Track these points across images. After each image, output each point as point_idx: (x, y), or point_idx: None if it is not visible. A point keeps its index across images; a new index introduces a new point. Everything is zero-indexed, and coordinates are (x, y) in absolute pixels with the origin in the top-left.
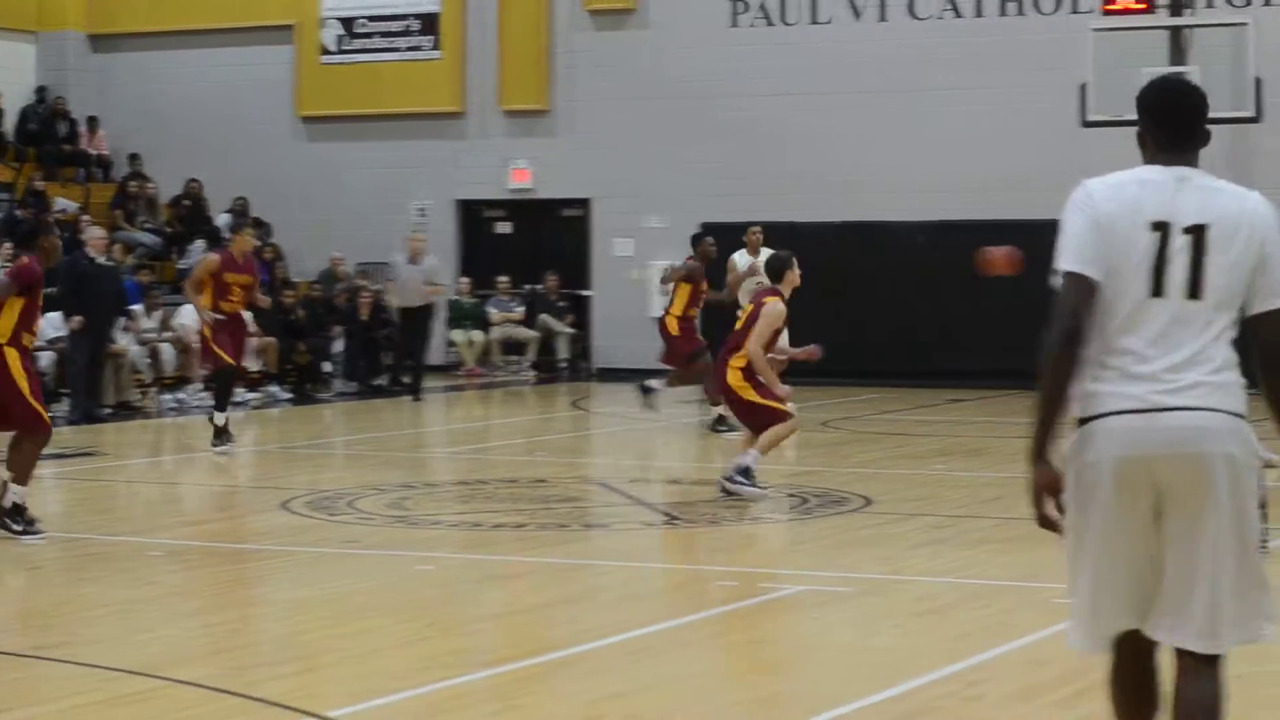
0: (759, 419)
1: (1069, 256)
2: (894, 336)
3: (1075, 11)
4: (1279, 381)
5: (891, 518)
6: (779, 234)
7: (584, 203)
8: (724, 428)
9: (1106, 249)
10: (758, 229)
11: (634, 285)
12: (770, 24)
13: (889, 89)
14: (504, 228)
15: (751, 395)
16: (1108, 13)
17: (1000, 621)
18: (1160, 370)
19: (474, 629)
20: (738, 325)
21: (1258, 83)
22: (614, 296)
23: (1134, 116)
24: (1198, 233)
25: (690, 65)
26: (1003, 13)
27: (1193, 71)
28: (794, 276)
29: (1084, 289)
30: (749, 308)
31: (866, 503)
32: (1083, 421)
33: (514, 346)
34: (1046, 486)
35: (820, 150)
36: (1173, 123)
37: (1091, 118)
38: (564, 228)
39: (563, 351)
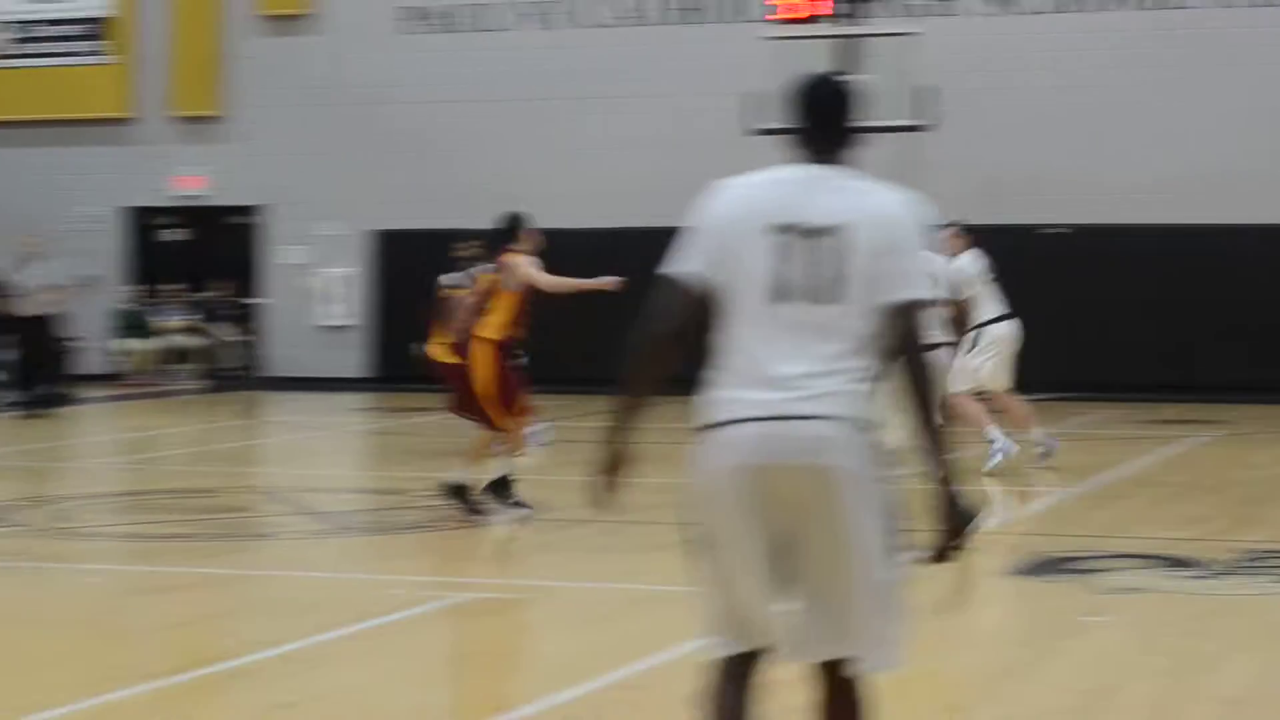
0: (486, 410)
1: (680, 257)
2: (561, 343)
3: (747, 20)
4: (906, 374)
5: (561, 524)
6: (455, 240)
7: (256, 209)
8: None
9: (726, 250)
10: (471, 242)
11: (306, 291)
12: (442, 30)
13: (561, 96)
14: (174, 235)
15: (491, 385)
16: (777, 22)
17: (667, 626)
18: (788, 377)
19: (140, 641)
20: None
21: (925, 91)
22: (286, 304)
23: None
24: (830, 233)
25: (364, 71)
26: (671, 21)
27: (863, 81)
28: (533, 238)
29: (688, 291)
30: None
31: (537, 510)
32: (706, 429)
33: (183, 355)
34: (606, 461)
35: (493, 157)
36: (814, 120)
37: (763, 125)
38: (235, 235)
39: (233, 360)
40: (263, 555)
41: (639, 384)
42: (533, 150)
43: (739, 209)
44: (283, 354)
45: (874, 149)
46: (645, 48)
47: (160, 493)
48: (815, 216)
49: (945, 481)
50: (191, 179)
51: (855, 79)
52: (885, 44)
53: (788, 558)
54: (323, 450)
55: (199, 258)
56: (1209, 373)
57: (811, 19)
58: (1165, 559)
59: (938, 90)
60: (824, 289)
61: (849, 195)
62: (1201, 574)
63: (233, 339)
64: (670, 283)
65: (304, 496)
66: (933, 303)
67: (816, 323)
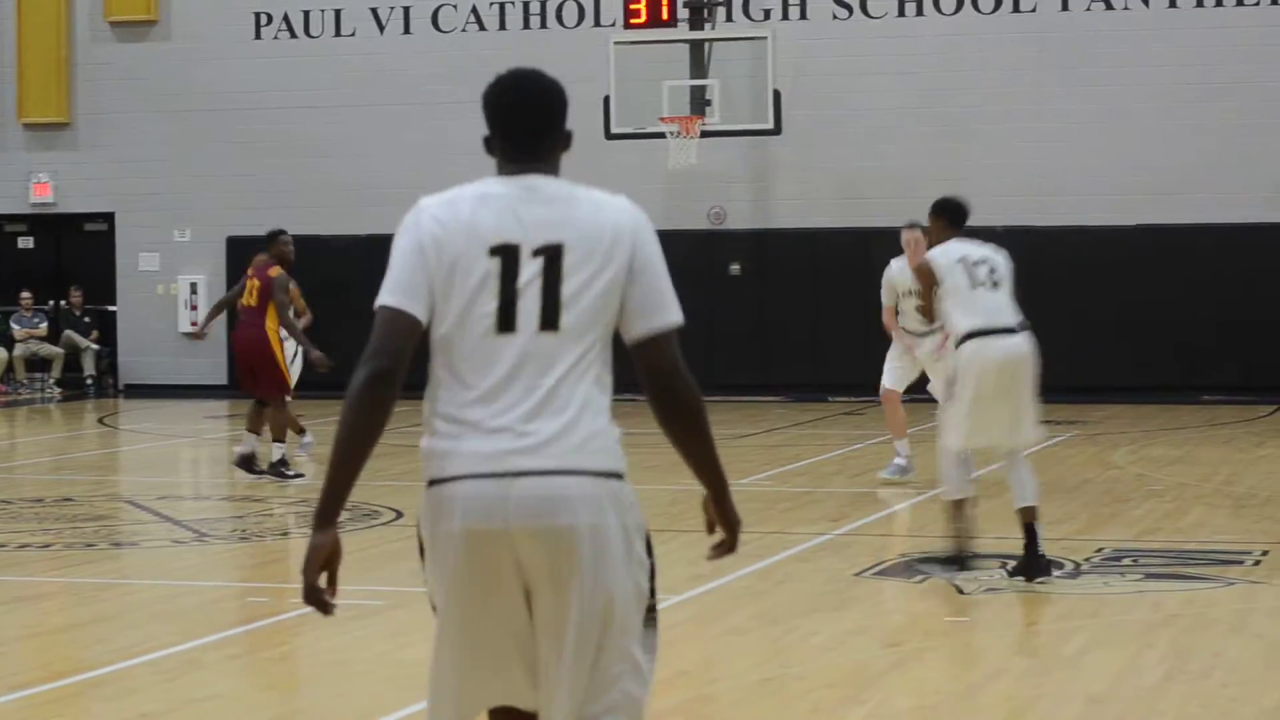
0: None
1: (385, 288)
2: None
3: (598, 25)
4: (668, 412)
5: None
6: (307, 246)
7: (108, 216)
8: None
9: (435, 278)
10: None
11: (160, 298)
12: (294, 36)
13: (414, 101)
14: (26, 242)
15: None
16: (630, 27)
17: None
18: (512, 422)
19: (5, 650)
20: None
21: (776, 95)
22: (140, 312)
23: (655, 129)
24: (549, 252)
25: (216, 77)
26: (526, 25)
27: (713, 85)
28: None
29: (398, 325)
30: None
31: (396, 515)
32: (432, 484)
33: (38, 363)
34: (324, 554)
35: (347, 162)
36: (519, 124)
37: (615, 130)
38: (88, 242)
39: (88, 368)
40: (125, 564)
41: (363, 436)
42: (391, 155)
43: (448, 229)
44: (138, 361)
45: (728, 153)
46: (496, 52)
47: (20, 501)
48: (534, 233)
49: (725, 502)
50: (41, 186)
51: (714, 90)
52: (738, 48)
53: (531, 622)
54: (182, 458)
55: (51, 265)
56: (1067, 373)
57: (665, 23)
58: None
59: (787, 95)
60: (547, 315)
61: (568, 206)
62: (1064, 573)
63: (87, 347)
64: (387, 315)
65: (162, 504)
66: (679, 324)
67: (541, 354)
